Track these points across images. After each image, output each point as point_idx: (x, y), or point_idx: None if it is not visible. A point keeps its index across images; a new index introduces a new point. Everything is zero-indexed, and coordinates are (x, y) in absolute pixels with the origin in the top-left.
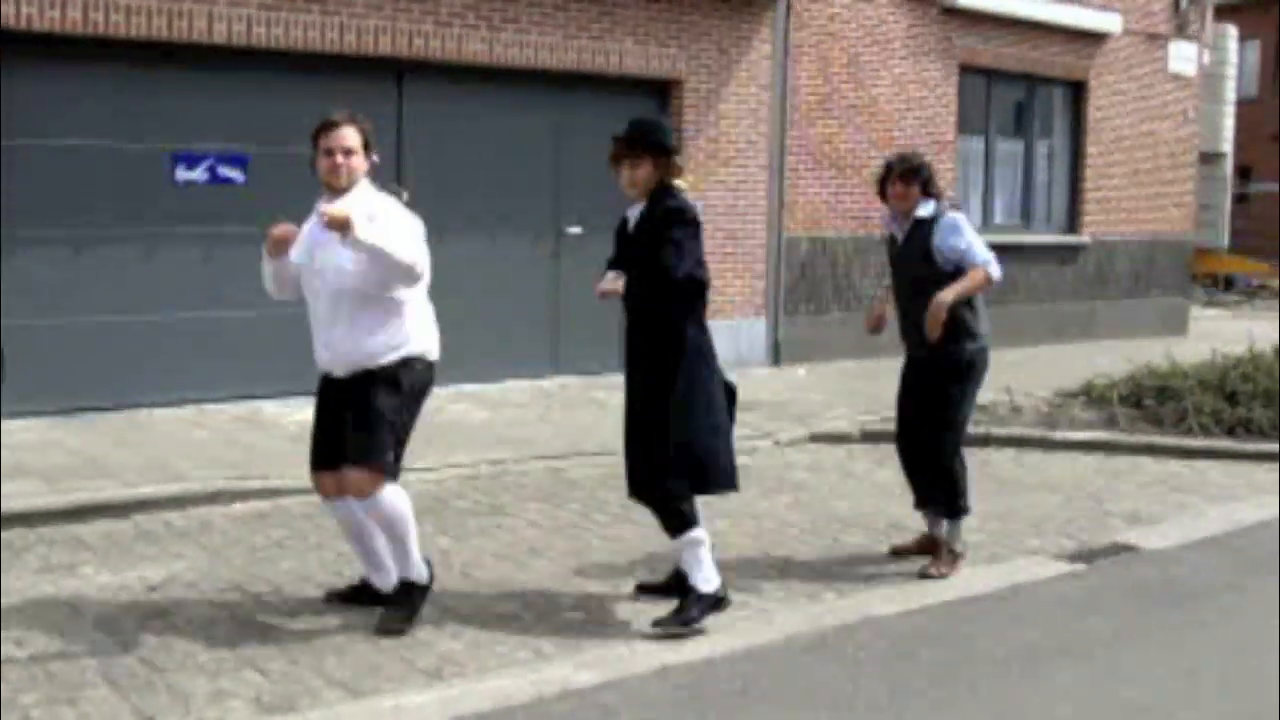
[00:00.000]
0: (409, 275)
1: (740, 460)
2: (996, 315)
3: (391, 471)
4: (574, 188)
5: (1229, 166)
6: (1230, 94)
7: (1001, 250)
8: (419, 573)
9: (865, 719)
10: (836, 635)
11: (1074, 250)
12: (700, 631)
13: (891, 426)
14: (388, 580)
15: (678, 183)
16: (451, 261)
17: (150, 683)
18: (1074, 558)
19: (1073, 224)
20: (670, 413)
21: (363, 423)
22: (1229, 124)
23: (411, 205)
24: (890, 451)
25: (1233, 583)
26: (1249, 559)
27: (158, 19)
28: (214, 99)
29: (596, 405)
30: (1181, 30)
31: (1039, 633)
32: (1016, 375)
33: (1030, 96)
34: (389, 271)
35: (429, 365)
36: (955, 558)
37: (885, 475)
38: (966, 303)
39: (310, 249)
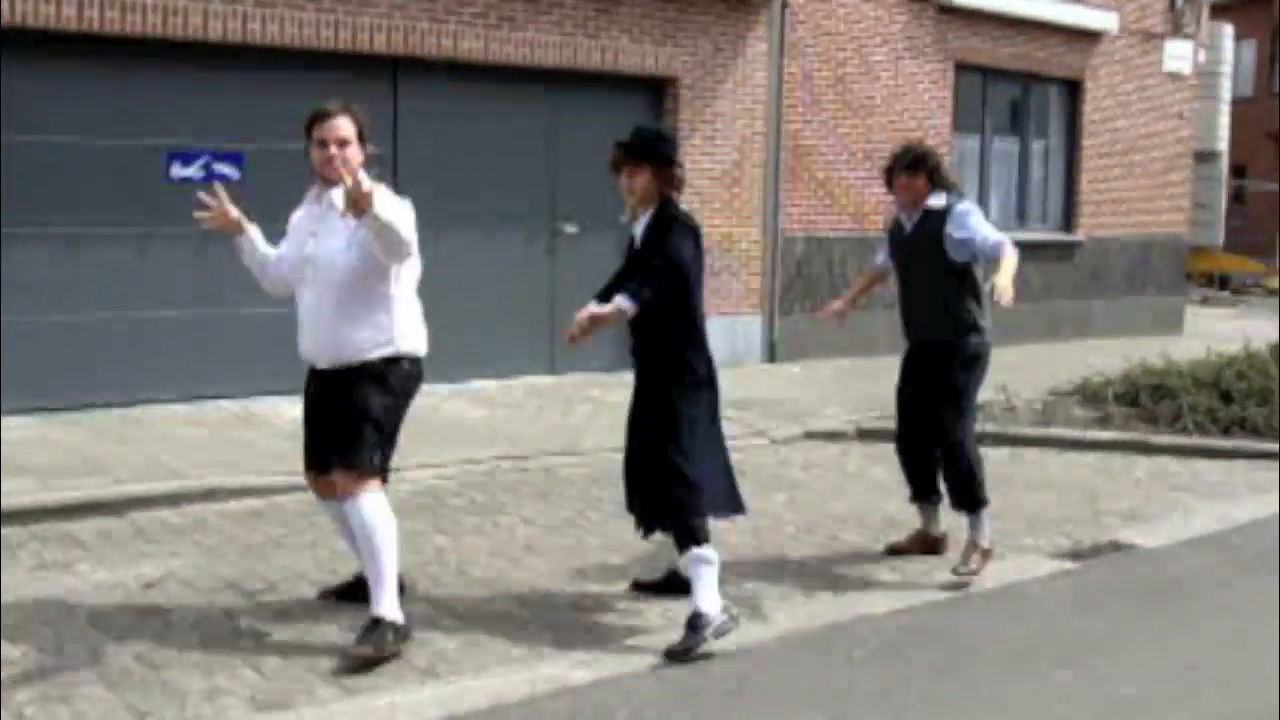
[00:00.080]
0: (405, 251)
1: (735, 458)
2: (992, 313)
3: (376, 473)
4: (569, 186)
5: (1224, 165)
6: (1226, 93)
7: None
8: (394, 609)
9: (861, 717)
10: (832, 634)
11: (1069, 249)
12: (708, 655)
13: (887, 425)
14: None
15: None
16: (446, 259)
17: (145, 680)
18: (1069, 556)
19: (1068, 222)
20: (680, 436)
21: (347, 421)
22: (1224, 123)
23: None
24: (886, 449)
25: (1228, 581)
26: (1244, 557)
27: (153, 16)
28: (209, 96)
29: (592, 403)
30: (1177, 29)
31: (1034, 631)
32: (1012, 374)
33: (1026, 95)
34: (390, 249)
35: (416, 363)
36: (985, 554)
37: (880, 473)
38: (973, 297)
39: (302, 239)
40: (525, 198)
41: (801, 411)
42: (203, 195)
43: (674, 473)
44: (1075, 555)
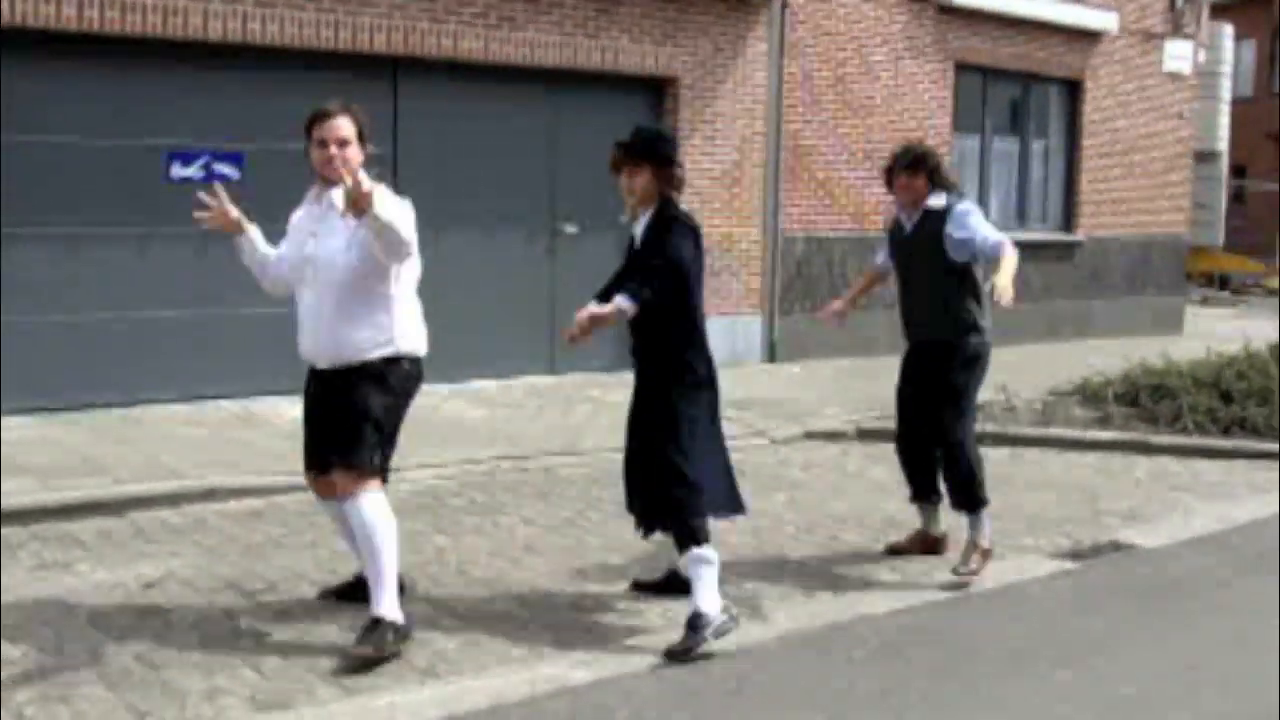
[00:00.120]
0: (405, 251)
1: (735, 458)
2: (992, 314)
3: (376, 472)
4: (569, 186)
5: (1224, 165)
6: (1226, 93)
7: None
8: (393, 611)
9: (861, 717)
10: (832, 633)
11: (1069, 249)
12: (708, 655)
13: (887, 425)
14: None
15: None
16: (447, 259)
17: (145, 680)
18: (1069, 556)
19: (1068, 222)
20: (680, 436)
21: (347, 421)
22: (1224, 122)
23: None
24: (886, 449)
25: (1228, 581)
26: (1244, 557)
27: (153, 16)
28: (209, 96)
29: (592, 403)
30: (1177, 29)
31: (1034, 631)
32: (1012, 374)
33: (1026, 95)
34: (390, 248)
35: (416, 363)
36: (985, 554)
37: (880, 473)
38: (973, 297)
39: (302, 239)
40: (525, 198)
41: (801, 411)
42: (203, 196)
43: (674, 473)
44: (1075, 555)
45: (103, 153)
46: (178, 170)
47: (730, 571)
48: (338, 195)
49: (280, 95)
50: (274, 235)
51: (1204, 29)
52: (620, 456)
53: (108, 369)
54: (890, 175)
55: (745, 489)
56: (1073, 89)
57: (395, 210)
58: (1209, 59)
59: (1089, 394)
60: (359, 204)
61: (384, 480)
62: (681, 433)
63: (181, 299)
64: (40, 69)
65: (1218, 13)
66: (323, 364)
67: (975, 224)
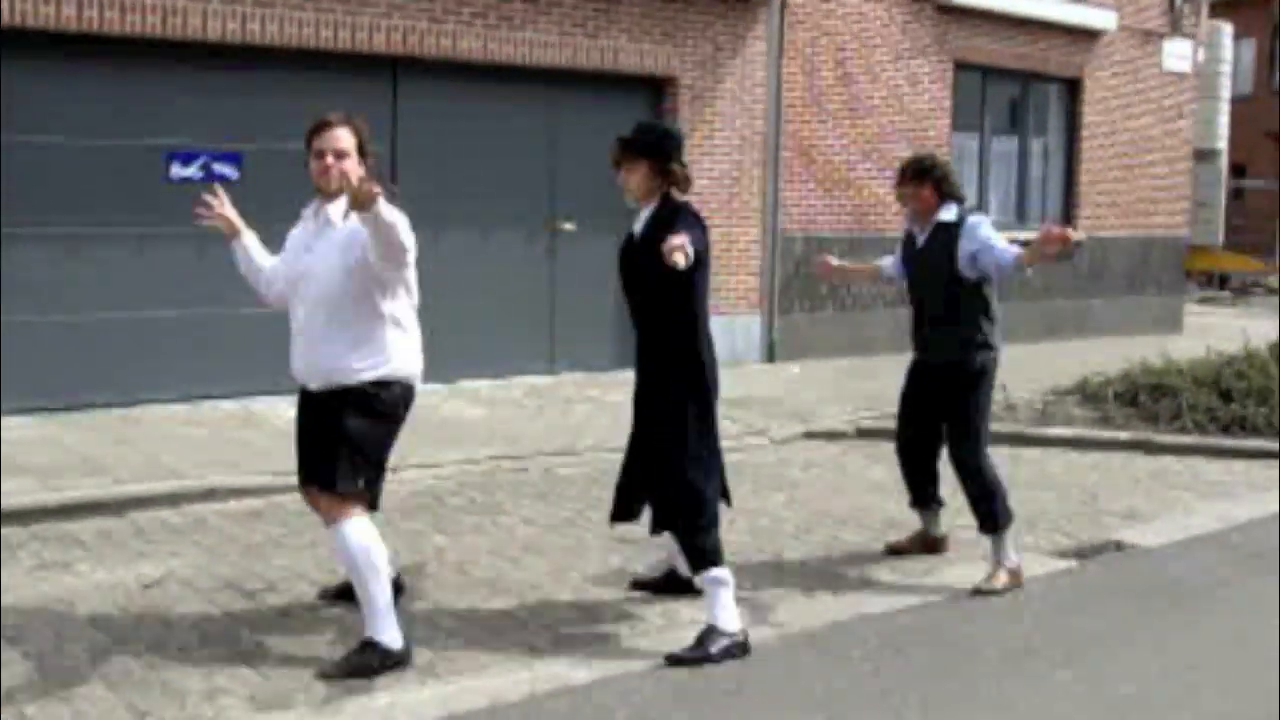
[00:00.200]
0: (404, 256)
1: (735, 458)
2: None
3: (360, 497)
4: (568, 185)
5: (1224, 164)
6: (1225, 91)
7: None
8: (387, 633)
9: (860, 717)
10: (831, 633)
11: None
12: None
13: (887, 424)
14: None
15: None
16: (446, 258)
17: (145, 680)
18: (1069, 554)
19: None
20: (688, 440)
21: (329, 446)
22: (1224, 121)
23: (398, 203)
24: (886, 449)
25: (1228, 580)
26: (1244, 556)
27: (152, 16)
28: (209, 96)
29: (592, 402)
30: (1176, 27)
31: (1034, 630)
32: (1012, 372)
33: (1025, 93)
34: (389, 250)
35: (409, 388)
36: (1013, 575)
37: (880, 472)
38: (985, 314)
39: (298, 254)
40: (524, 197)
41: (801, 411)
42: (206, 197)
43: (687, 488)
44: (1075, 554)
45: (103, 153)
46: (177, 170)
47: (730, 570)
48: (335, 209)
49: (280, 95)
50: (273, 236)
51: (1203, 28)
52: (620, 457)
53: (107, 369)
54: (899, 186)
55: (745, 489)
56: (1072, 88)
57: (396, 214)
58: (1208, 58)
59: (1089, 393)
60: (362, 198)
61: (373, 506)
62: (689, 436)
63: (181, 299)
64: (40, 69)
65: (1217, 11)
66: (314, 385)
67: (988, 235)
